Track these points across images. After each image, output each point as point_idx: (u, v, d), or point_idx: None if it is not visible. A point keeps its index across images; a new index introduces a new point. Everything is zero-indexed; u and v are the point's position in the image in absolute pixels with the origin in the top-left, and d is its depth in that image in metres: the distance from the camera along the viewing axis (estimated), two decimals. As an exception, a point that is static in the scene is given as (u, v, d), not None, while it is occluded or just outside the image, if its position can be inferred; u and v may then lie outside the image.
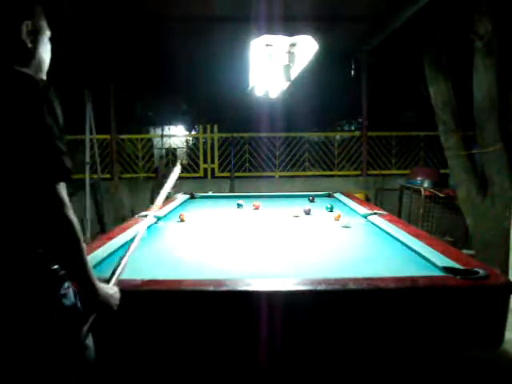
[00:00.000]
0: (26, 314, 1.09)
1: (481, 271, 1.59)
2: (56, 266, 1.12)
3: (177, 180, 2.09)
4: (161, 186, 1.98)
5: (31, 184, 1.04)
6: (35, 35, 1.22)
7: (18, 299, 1.09)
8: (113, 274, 1.36)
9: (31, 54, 1.21)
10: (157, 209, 1.74)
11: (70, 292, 1.17)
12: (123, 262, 1.42)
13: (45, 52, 1.27)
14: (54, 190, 1.05)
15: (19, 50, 1.18)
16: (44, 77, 1.28)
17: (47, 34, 1.28)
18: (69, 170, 1.08)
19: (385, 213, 3.00)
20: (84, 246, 1.11)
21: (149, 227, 2.66)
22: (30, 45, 1.20)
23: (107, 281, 1.31)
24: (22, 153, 1.04)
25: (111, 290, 1.24)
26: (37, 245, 1.10)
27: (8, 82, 1.10)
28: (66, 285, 1.16)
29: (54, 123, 1.08)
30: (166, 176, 2.09)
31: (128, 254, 1.46)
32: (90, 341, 1.25)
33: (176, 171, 2.03)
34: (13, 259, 1.09)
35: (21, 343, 1.10)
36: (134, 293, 1.48)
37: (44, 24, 1.26)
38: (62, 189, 1.07)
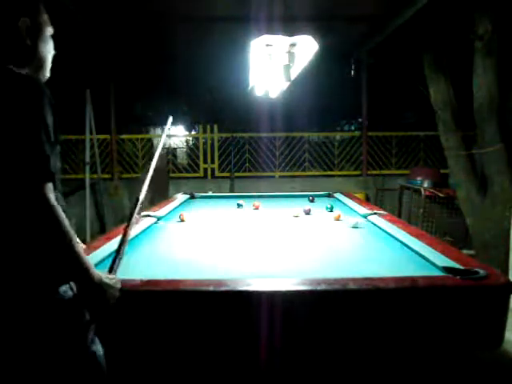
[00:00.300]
0: (22, 314, 1.09)
1: (481, 271, 1.59)
2: (49, 264, 1.12)
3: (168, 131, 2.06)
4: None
5: (17, 185, 1.05)
6: (35, 32, 1.19)
7: (10, 298, 1.09)
8: (113, 263, 1.34)
9: (30, 51, 1.19)
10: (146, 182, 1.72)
11: (68, 289, 1.16)
12: (121, 251, 1.40)
13: (46, 49, 1.24)
14: (40, 191, 1.05)
15: (16, 48, 1.16)
16: (47, 74, 1.27)
17: (49, 30, 1.24)
18: (52, 173, 1.08)
19: (385, 213, 3.00)
20: (75, 240, 1.11)
21: (149, 227, 2.67)
22: (28, 42, 1.17)
23: (108, 272, 1.30)
24: (8, 155, 1.05)
25: (110, 280, 1.22)
26: (27, 245, 1.10)
27: None
28: (64, 283, 1.15)
29: (42, 127, 1.07)
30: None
31: (126, 241, 1.44)
32: (98, 346, 1.24)
33: (169, 122, 2.01)
34: (4, 259, 1.09)
35: (18, 341, 1.09)
36: (133, 293, 1.48)
37: (45, 20, 1.22)
38: (49, 190, 1.07)
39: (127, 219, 1.49)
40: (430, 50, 4.22)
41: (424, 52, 4.25)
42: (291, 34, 2.53)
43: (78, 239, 1.17)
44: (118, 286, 1.25)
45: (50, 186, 1.07)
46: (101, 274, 1.19)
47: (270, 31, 2.55)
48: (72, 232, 1.11)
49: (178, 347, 1.55)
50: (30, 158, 1.05)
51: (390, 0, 4.50)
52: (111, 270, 1.32)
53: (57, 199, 1.13)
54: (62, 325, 1.13)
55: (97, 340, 1.25)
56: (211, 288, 1.49)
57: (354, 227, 2.66)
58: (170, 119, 2.04)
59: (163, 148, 7.38)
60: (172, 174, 7.00)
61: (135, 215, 1.51)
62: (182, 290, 1.51)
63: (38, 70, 1.22)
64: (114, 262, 1.35)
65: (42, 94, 1.09)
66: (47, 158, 1.07)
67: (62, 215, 1.08)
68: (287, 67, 2.72)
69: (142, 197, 1.60)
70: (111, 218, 6.49)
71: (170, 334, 1.53)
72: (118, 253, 1.37)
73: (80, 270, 1.13)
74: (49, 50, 1.26)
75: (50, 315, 1.12)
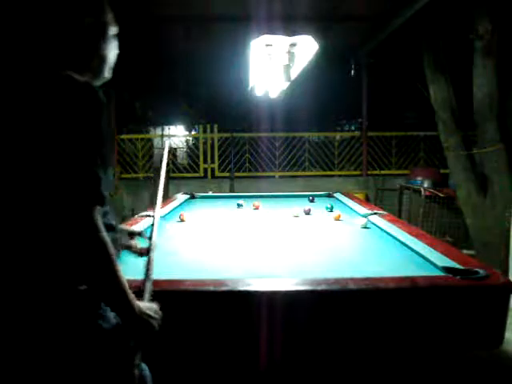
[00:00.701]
0: (58, 340, 1.02)
1: (481, 271, 1.59)
2: (86, 288, 1.05)
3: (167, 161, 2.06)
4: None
5: (64, 207, 0.97)
6: (98, 32, 1.12)
7: (47, 325, 1.02)
8: (144, 287, 1.26)
9: (92, 52, 1.12)
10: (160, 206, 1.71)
11: (109, 314, 1.10)
12: (150, 272, 1.34)
13: (108, 49, 1.17)
14: (87, 215, 0.98)
15: (77, 50, 1.09)
16: (108, 74, 1.20)
17: (112, 30, 1.17)
18: (101, 196, 1.02)
19: (385, 213, 3.00)
20: (120, 270, 1.04)
21: (149, 227, 2.66)
22: (91, 43, 1.11)
23: (140, 295, 1.22)
24: (59, 173, 0.97)
25: (150, 309, 1.15)
26: (64, 268, 1.02)
27: (53, 91, 0.99)
28: (103, 307, 1.09)
29: (98, 147, 1.00)
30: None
31: (151, 262, 1.39)
32: (145, 371, 1.21)
33: (165, 152, 2.00)
34: (40, 285, 1.02)
35: (64, 369, 1.03)
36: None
37: (109, 19, 1.16)
38: (96, 214, 1.00)
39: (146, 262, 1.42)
40: (429, 50, 4.22)
41: (424, 52, 4.25)
42: (291, 34, 2.53)
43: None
44: (158, 315, 1.17)
45: (98, 209, 1.01)
46: (140, 304, 1.12)
47: (270, 31, 2.55)
48: (116, 261, 1.03)
49: (178, 347, 1.55)
50: (82, 181, 0.98)
51: (389, 0, 4.51)
52: (142, 295, 1.24)
53: (106, 214, 1.09)
54: (110, 351, 1.08)
55: (144, 366, 1.22)
56: (211, 288, 1.49)
57: (364, 227, 2.66)
58: (167, 149, 2.04)
59: (164, 148, 7.37)
60: (172, 174, 7.00)
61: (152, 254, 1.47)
62: (182, 290, 1.51)
63: (99, 71, 1.16)
64: (144, 286, 1.27)
65: (101, 109, 1.02)
66: (99, 181, 1.01)
67: (109, 243, 1.01)
68: (287, 67, 2.72)
69: (154, 237, 1.57)
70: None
71: (170, 334, 1.52)
72: (146, 277, 1.32)
73: (122, 302, 1.06)
74: (111, 52, 1.19)
75: (97, 341, 1.06)
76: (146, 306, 1.15)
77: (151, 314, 1.13)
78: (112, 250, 1.02)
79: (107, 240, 1.01)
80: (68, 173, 0.97)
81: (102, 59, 1.16)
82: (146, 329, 1.12)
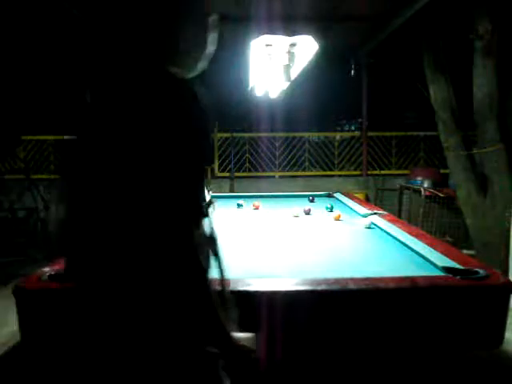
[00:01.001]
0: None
1: (481, 271, 1.59)
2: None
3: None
4: None
5: (168, 221, 0.91)
6: (199, 23, 1.05)
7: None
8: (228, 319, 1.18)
9: (191, 44, 1.05)
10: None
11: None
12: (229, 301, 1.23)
13: (208, 41, 1.08)
14: (188, 231, 0.94)
15: (174, 43, 1.02)
16: (204, 66, 1.11)
17: (213, 20, 1.09)
18: (203, 210, 1.00)
19: (385, 213, 3.00)
20: (218, 301, 0.98)
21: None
22: (190, 35, 1.04)
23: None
24: (164, 188, 0.91)
25: (242, 344, 1.11)
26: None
27: (167, 98, 0.93)
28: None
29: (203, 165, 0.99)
30: None
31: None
32: None
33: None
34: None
35: None
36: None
37: (209, 9, 1.08)
38: (195, 229, 0.96)
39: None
40: (430, 50, 4.22)
41: (424, 52, 4.25)
42: (291, 34, 2.53)
43: None
44: (253, 350, 1.15)
45: (197, 224, 0.97)
46: (237, 336, 1.05)
47: (270, 31, 2.55)
48: (215, 296, 0.97)
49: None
50: (189, 195, 0.94)
51: (389, 0, 4.50)
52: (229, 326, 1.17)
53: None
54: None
55: None
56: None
57: (368, 227, 2.66)
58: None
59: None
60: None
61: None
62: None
63: (195, 63, 1.08)
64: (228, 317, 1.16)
65: (206, 116, 0.98)
66: (203, 196, 0.99)
67: (206, 268, 0.96)
68: (287, 67, 2.71)
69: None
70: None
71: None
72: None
73: (220, 335, 1.00)
74: (211, 42, 1.09)
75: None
76: (242, 337, 1.11)
77: (247, 345, 1.11)
78: (209, 275, 0.96)
79: (204, 264, 0.95)
80: (175, 186, 0.91)
81: (201, 51, 1.07)
82: (243, 361, 1.07)
